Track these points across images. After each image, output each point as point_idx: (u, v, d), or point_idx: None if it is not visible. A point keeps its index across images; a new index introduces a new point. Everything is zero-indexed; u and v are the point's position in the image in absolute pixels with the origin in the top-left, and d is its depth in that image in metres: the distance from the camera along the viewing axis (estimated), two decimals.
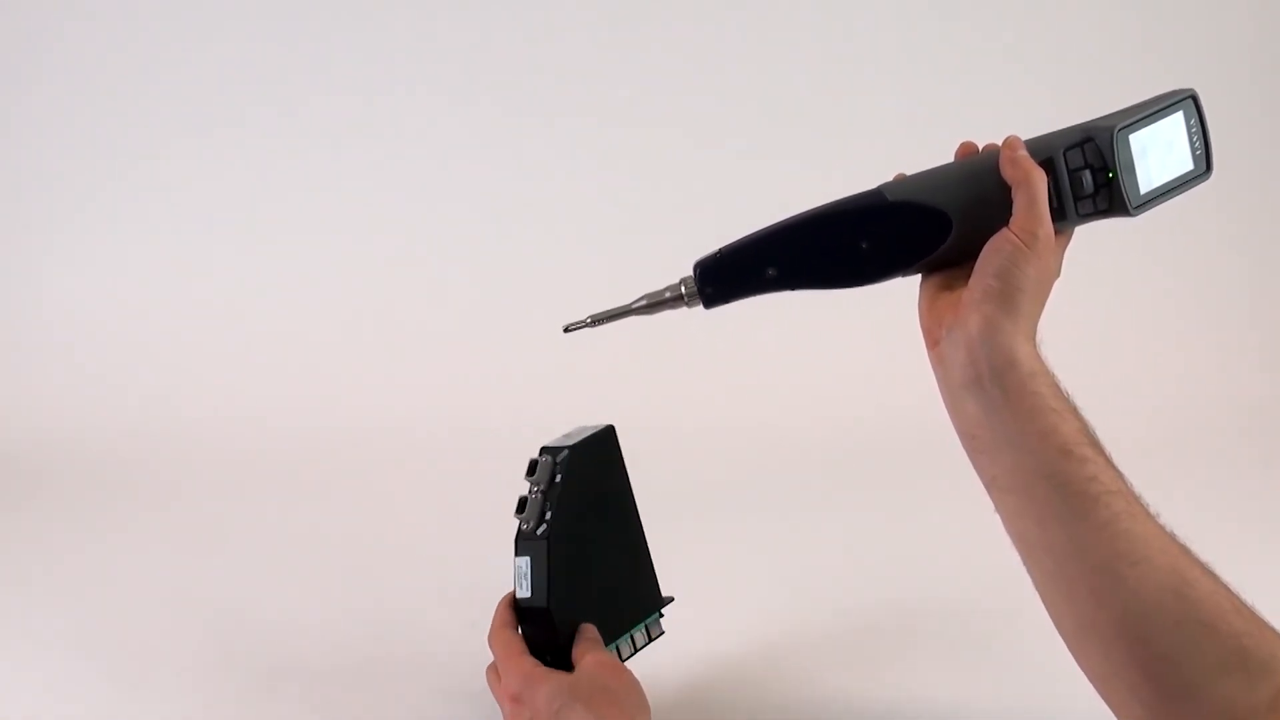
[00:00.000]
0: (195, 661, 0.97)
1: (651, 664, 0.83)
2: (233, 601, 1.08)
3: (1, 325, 1.65)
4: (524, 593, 0.80)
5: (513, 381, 1.56)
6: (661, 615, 0.88)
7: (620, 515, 0.87)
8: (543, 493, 0.81)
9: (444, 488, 1.35)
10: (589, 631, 0.80)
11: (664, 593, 0.88)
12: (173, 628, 1.03)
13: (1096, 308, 1.59)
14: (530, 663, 0.76)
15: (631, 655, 0.84)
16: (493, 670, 0.80)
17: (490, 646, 0.79)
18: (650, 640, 0.86)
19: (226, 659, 0.97)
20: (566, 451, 0.81)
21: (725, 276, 0.74)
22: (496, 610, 0.81)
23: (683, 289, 0.75)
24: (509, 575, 0.81)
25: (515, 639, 0.79)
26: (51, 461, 1.43)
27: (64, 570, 1.15)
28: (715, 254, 0.75)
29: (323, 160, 1.72)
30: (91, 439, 1.47)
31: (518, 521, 0.81)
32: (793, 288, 0.75)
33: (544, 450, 0.82)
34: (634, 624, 0.85)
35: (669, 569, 1.14)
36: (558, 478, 0.80)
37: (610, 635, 0.82)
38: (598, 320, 0.77)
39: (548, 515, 0.80)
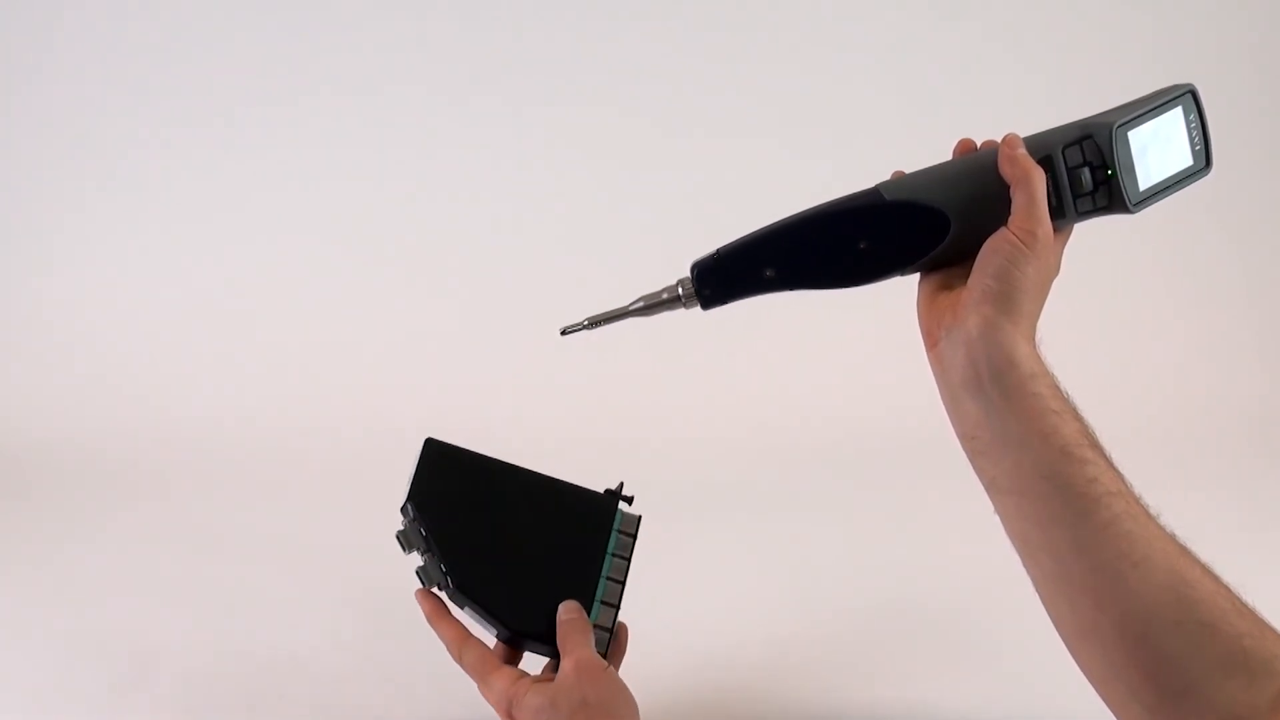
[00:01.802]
0: (194, 661, 0.97)
1: (651, 664, 0.82)
2: (232, 601, 1.07)
3: (1, 325, 1.65)
4: (493, 631, 0.79)
5: (510, 383, 1.56)
6: (625, 503, 0.83)
7: (507, 489, 0.83)
8: (425, 551, 0.80)
9: None
10: (570, 613, 0.78)
11: (608, 493, 0.84)
12: (172, 627, 1.03)
13: (1096, 308, 1.59)
14: (510, 674, 0.76)
15: (622, 586, 0.81)
16: (476, 670, 0.79)
17: (462, 666, 0.78)
18: (630, 548, 0.82)
19: (226, 659, 0.97)
20: (408, 502, 0.80)
21: (722, 277, 0.74)
22: (438, 628, 0.79)
23: (680, 290, 0.74)
24: None
25: (484, 652, 0.78)
26: (50, 461, 1.43)
27: (63, 570, 1.15)
28: (712, 255, 0.74)
29: (321, 161, 1.72)
30: (90, 439, 1.47)
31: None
32: (790, 288, 0.74)
33: (402, 514, 0.81)
34: (601, 556, 0.81)
35: (668, 568, 1.14)
36: (423, 530, 0.80)
37: (589, 585, 0.79)
38: (595, 322, 0.76)
39: (444, 567, 0.79)
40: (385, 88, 1.72)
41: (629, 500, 0.83)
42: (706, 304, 0.75)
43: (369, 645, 0.99)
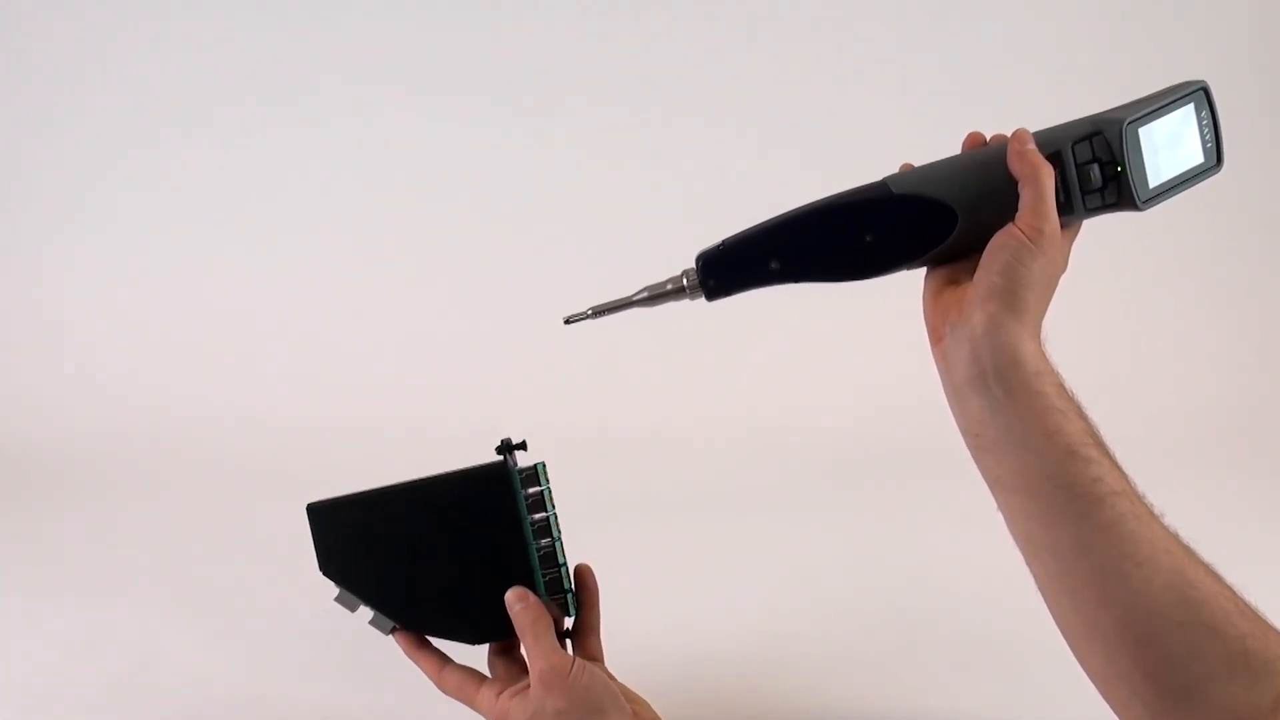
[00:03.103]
0: (194, 661, 0.96)
1: (649, 663, 0.83)
2: (232, 601, 1.07)
3: (1, 325, 1.64)
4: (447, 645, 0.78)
5: (510, 383, 1.56)
6: (519, 452, 0.79)
7: (396, 512, 0.79)
8: (367, 603, 0.79)
9: None
10: (516, 602, 0.75)
11: (490, 462, 0.79)
12: (172, 627, 1.02)
13: (1096, 307, 1.58)
14: (488, 698, 0.76)
15: (555, 539, 0.77)
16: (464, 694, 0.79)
17: (446, 693, 0.78)
18: (544, 498, 0.77)
19: (226, 659, 0.97)
20: (318, 553, 0.79)
21: (727, 269, 0.74)
22: (416, 660, 0.79)
23: (685, 281, 0.74)
24: None
25: (459, 679, 0.77)
26: (50, 461, 1.43)
27: (63, 570, 1.15)
28: (718, 246, 0.74)
29: (321, 160, 1.72)
30: (91, 439, 1.47)
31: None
32: (795, 280, 0.74)
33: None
34: (518, 525, 0.77)
35: (669, 568, 1.14)
36: (346, 590, 0.79)
37: (522, 561, 0.76)
38: (599, 312, 0.76)
39: (385, 615, 0.79)
40: (385, 88, 1.72)
41: (521, 447, 0.79)
42: (711, 295, 0.74)
43: (369, 645, 0.98)
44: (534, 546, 0.77)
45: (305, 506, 0.80)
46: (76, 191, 1.71)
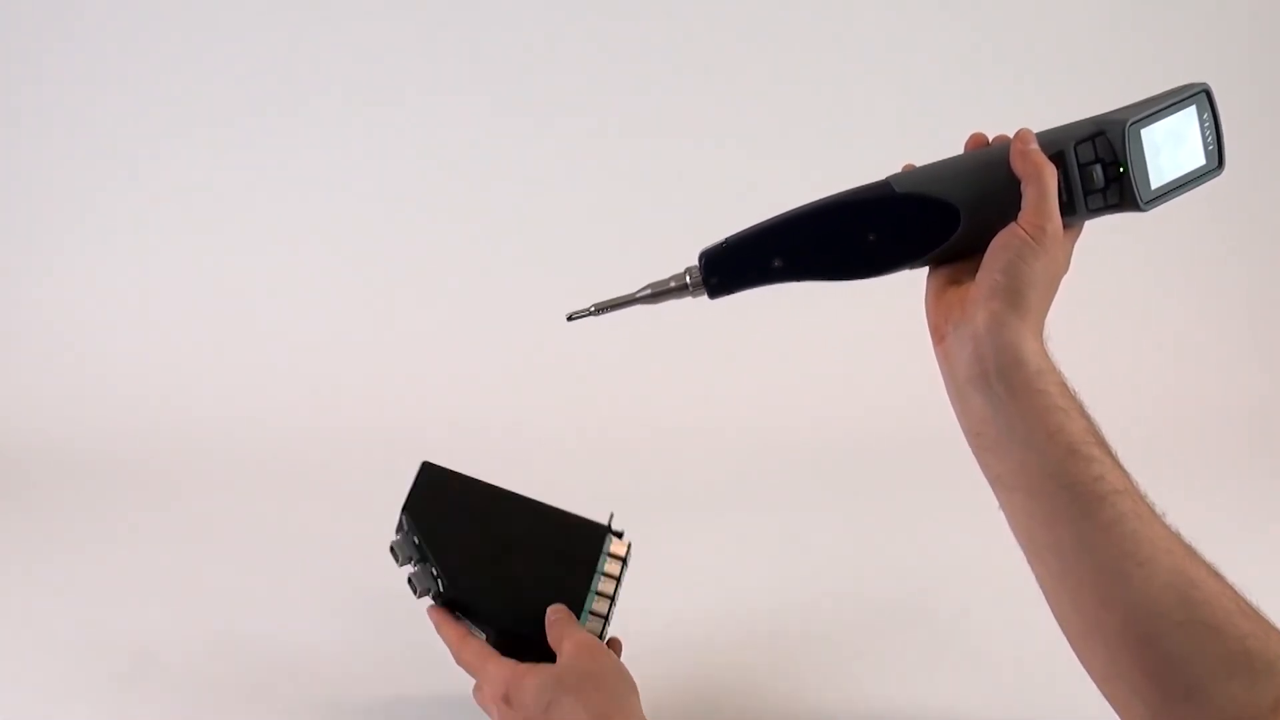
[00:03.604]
0: (194, 661, 0.96)
1: (649, 662, 0.82)
2: (232, 601, 1.07)
3: (1, 325, 1.64)
4: (484, 638, 0.80)
5: (511, 383, 1.56)
6: (615, 537, 0.86)
7: (500, 508, 0.86)
8: (418, 562, 0.82)
9: None
10: (558, 613, 0.79)
11: (598, 523, 0.87)
12: (172, 627, 1.02)
13: (1097, 307, 1.58)
14: (509, 663, 0.76)
15: (612, 602, 0.82)
16: (477, 686, 0.80)
17: (461, 663, 0.79)
18: (620, 572, 0.84)
19: (226, 659, 0.97)
20: (403, 513, 0.82)
21: (730, 267, 0.74)
22: (442, 631, 0.81)
23: (688, 279, 0.74)
24: None
25: (483, 646, 0.79)
26: (50, 461, 1.42)
27: (63, 570, 1.14)
28: (721, 244, 0.74)
29: (321, 160, 1.71)
30: (91, 439, 1.47)
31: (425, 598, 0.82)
32: (798, 279, 0.74)
33: (396, 530, 0.84)
34: (590, 573, 0.83)
35: (668, 567, 1.13)
36: (416, 539, 0.81)
37: (578, 597, 0.81)
38: (601, 309, 0.76)
39: (435, 572, 0.81)
40: (387, 88, 1.71)
41: (619, 535, 0.85)
42: (714, 293, 0.74)
43: (369, 645, 0.98)
44: (593, 596, 0.81)
45: (422, 463, 0.86)
46: (78, 191, 1.70)
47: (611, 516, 0.86)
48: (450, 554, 0.81)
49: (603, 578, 0.83)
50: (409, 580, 0.82)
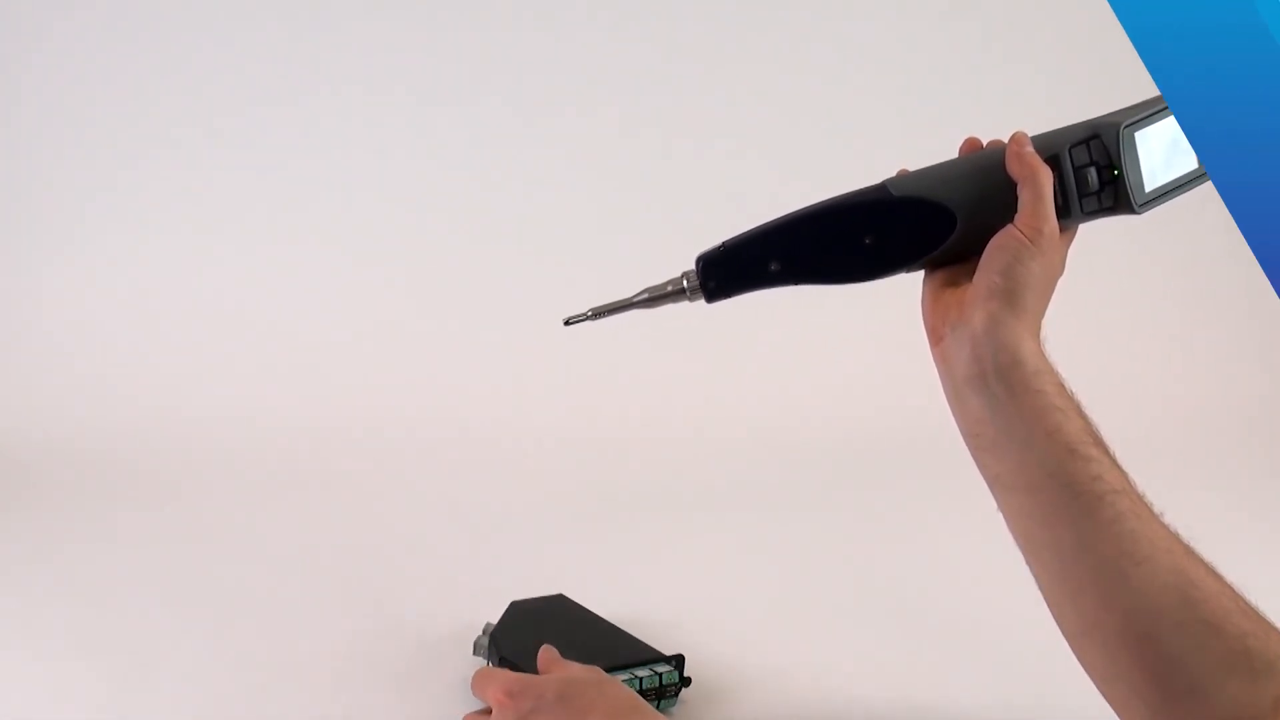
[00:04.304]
0: (194, 661, 0.97)
1: None
2: (232, 601, 1.07)
3: (1, 325, 1.65)
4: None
5: (511, 383, 1.56)
6: (680, 681, 0.87)
7: (577, 618, 0.94)
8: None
9: (445, 486, 1.35)
10: (550, 652, 0.82)
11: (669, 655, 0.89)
12: (172, 628, 1.02)
13: (1096, 307, 1.59)
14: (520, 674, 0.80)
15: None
16: (478, 680, 0.81)
17: (474, 684, 0.82)
18: (659, 691, 0.85)
19: (226, 659, 0.97)
20: (492, 632, 0.92)
21: (728, 270, 0.74)
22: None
23: (685, 283, 0.74)
24: (511, 574, 0.83)
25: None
26: (50, 461, 1.42)
27: (63, 570, 1.14)
28: (718, 247, 0.74)
29: (321, 160, 1.71)
30: (91, 439, 1.47)
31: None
32: (795, 282, 0.74)
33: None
34: (632, 664, 0.86)
35: (667, 567, 1.14)
36: (497, 651, 0.90)
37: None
38: (599, 313, 0.76)
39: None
40: (387, 89, 1.72)
41: (686, 681, 0.87)
42: (711, 297, 0.74)
43: (369, 646, 0.99)
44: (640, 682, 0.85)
45: (510, 604, 0.95)
46: (77, 191, 1.70)
47: (682, 659, 0.87)
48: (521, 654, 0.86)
49: (645, 670, 0.85)
50: (476, 643, 0.92)
